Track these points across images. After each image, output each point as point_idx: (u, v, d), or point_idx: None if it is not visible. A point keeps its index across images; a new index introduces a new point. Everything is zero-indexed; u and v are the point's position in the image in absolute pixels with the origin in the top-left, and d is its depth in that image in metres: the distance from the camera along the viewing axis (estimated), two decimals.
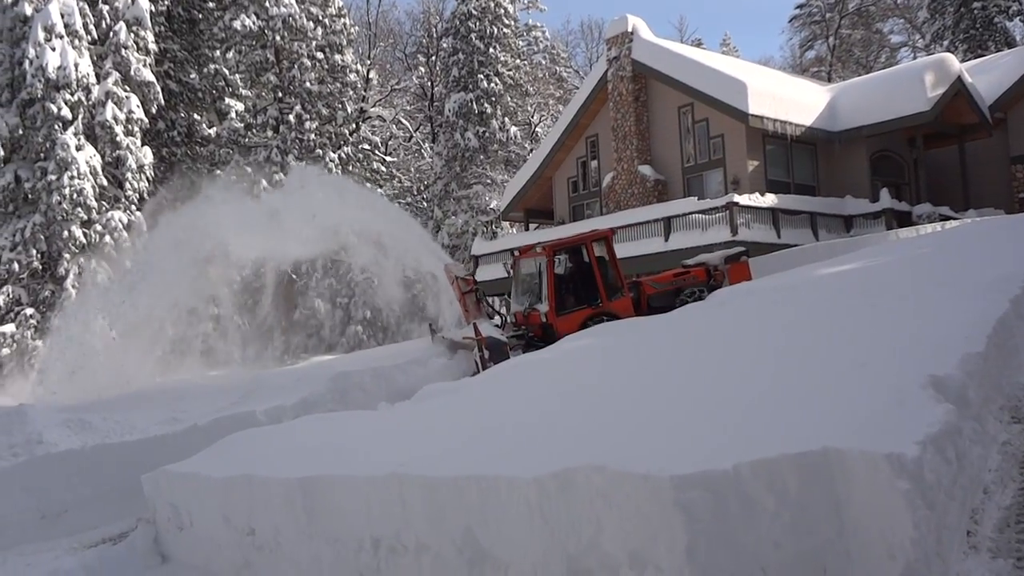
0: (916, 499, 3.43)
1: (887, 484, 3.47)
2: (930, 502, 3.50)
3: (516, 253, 15.59)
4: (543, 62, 53.33)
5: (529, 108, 46.07)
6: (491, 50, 37.84)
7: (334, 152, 35.01)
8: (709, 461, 3.74)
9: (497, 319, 15.08)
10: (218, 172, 34.11)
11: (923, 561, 3.41)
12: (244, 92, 35.81)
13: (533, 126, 46.68)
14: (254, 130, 34.24)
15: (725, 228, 20.10)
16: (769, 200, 21.18)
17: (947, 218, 21.35)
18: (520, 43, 47.08)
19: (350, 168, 36.44)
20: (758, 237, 20.17)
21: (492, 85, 37.50)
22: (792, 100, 23.37)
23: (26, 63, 26.71)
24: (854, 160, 23.98)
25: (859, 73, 42.25)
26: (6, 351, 26.52)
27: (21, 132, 27.45)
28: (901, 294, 6.34)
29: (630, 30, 25.06)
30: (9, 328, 26.75)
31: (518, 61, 42.42)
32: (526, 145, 40.95)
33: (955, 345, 4.89)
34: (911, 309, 5.87)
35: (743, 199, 20.49)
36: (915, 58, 42.43)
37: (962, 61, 27.34)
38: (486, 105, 37.27)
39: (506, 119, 38.52)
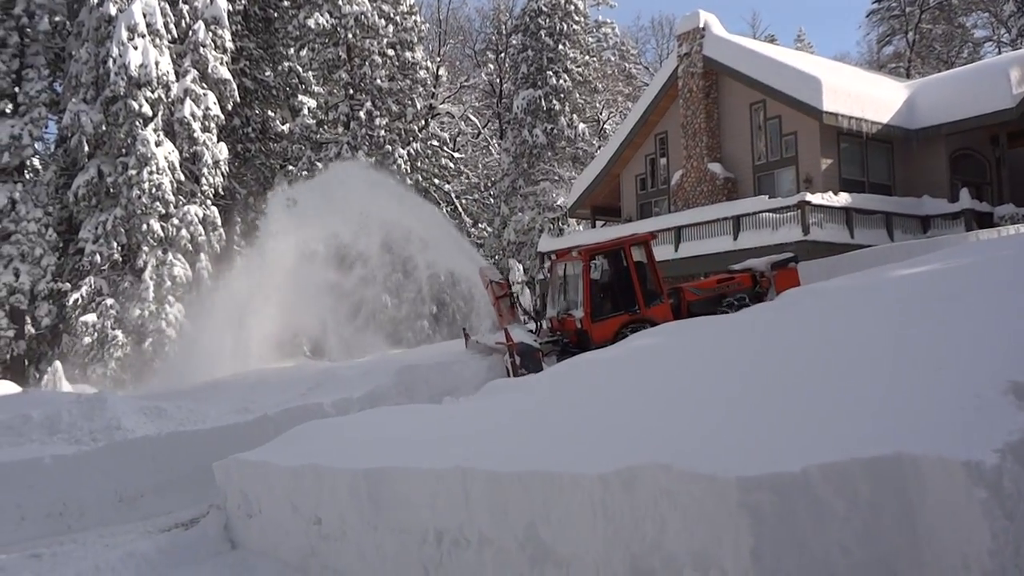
0: (994, 509, 3.31)
1: (964, 492, 3.36)
2: (1009, 512, 3.38)
3: (552, 256, 15.23)
4: (612, 59, 53.06)
5: (598, 105, 45.88)
6: (560, 47, 37.78)
7: (403, 148, 35.39)
8: (777, 463, 3.67)
9: (532, 324, 14.76)
10: (290, 168, 34.80)
11: (1000, 573, 3.29)
12: (316, 89, 36.44)
13: (601, 123, 46.48)
14: (325, 126, 34.83)
15: (796, 227, 19.73)
16: (843, 199, 20.72)
17: None
18: (590, 40, 46.91)
19: (419, 164, 36.79)
20: (831, 237, 19.75)
21: (561, 82, 37.44)
22: (868, 97, 22.80)
23: (110, 62, 27.64)
24: (933, 159, 23.28)
25: (940, 69, 40.97)
26: (88, 340, 27.48)
27: (104, 128, 28.41)
28: (981, 297, 6.13)
29: (702, 26, 24.76)
30: (91, 318, 27.72)
31: (587, 58, 42.26)
32: (594, 142, 40.80)
33: None
34: (991, 312, 5.67)
35: (815, 198, 20.09)
36: (1000, 53, 40.95)
37: None
38: (554, 102, 37.24)
39: (574, 116, 38.43)
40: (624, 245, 14.08)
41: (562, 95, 37.57)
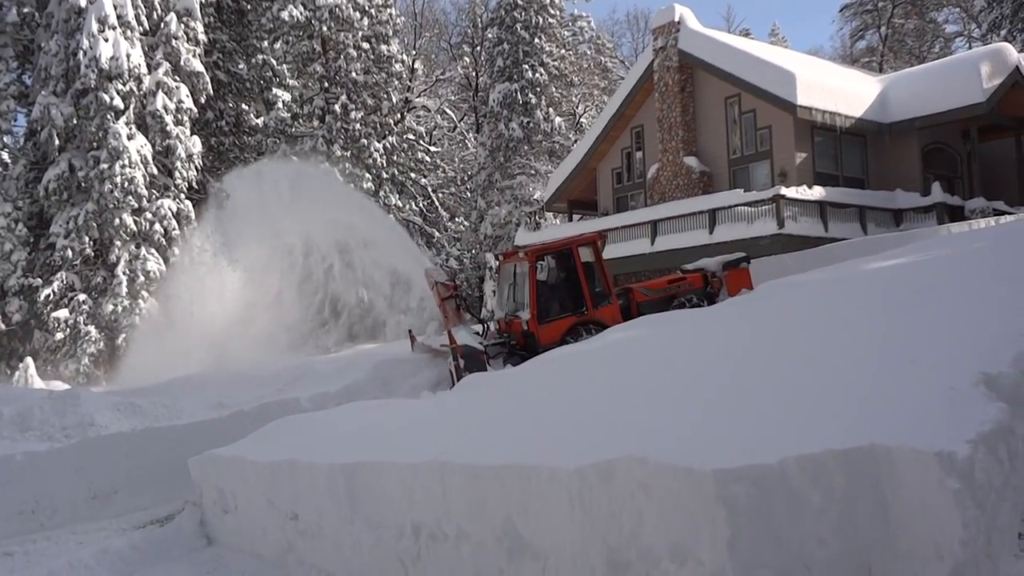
0: (966, 499, 3.36)
1: (936, 483, 3.40)
2: (980, 502, 3.43)
3: (500, 257, 14.96)
4: (588, 52, 53.06)
5: (574, 99, 45.88)
6: (536, 40, 37.74)
7: (379, 142, 35.26)
8: (753, 455, 3.69)
9: (478, 327, 14.42)
10: (265, 161, 34.54)
11: (972, 563, 3.34)
12: (291, 82, 36.21)
13: (578, 117, 46.50)
14: (300, 120, 34.60)
15: (772, 221, 19.86)
16: (817, 193, 20.87)
17: (1001, 213, 20.85)
18: (565, 33, 46.88)
19: (395, 158, 36.65)
20: (805, 230, 19.90)
21: (537, 75, 37.41)
22: (842, 91, 22.98)
23: (80, 54, 27.31)
24: (905, 153, 23.51)
25: (912, 64, 41.39)
26: (60, 335, 27.16)
27: (75, 122, 28.07)
28: (953, 290, 6.21)
29: (677, 20, 24.82)
30: (63, 313, 27.41)
31: (563, 51, 42.25)
32: (570, 136, 40.82)
33: (1009, 342, 4.77)
34: (964, 305, 5.74)
35: (790, 192, 20.22)
36: (971, 48, 41.40)
37: (1020, 51, 26.61)
38: (531, 95, 37.20)
39: (550, 110, 38.42)
40: (572, 245, 13.73)
41: (538, 89, 37.55)
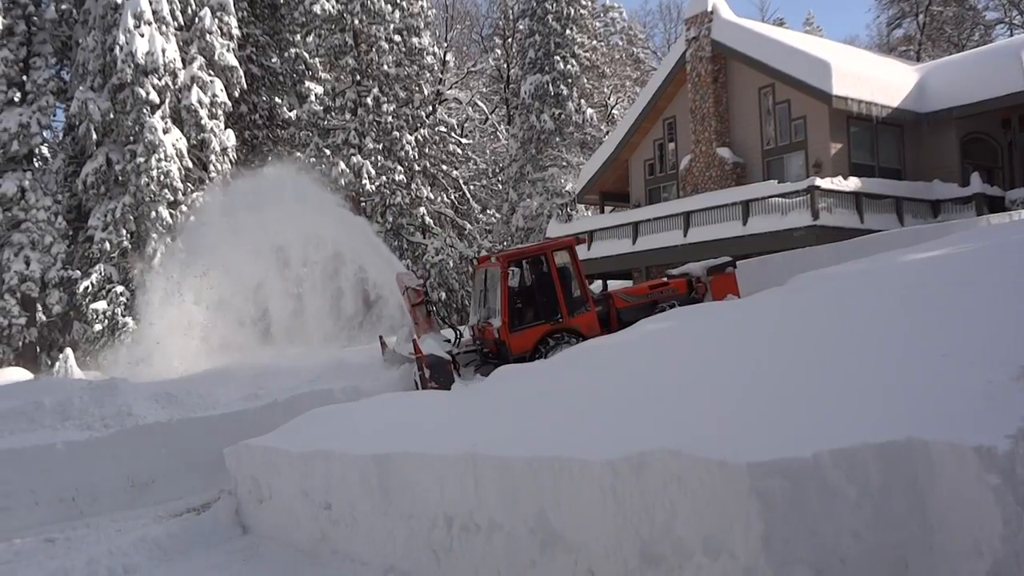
0: (1006, 494, 3.30)
1: (975, 478, 3.35)
2: (1021, 498, 3.37)
3: (475, 262, 14.66)
4: (620, 43, 52.80)
5: (605, 90, 45.67)
6: (568, 31, 37.57)
7: (410, 134, 35.35)
8: (788, 449, 3.67)
9: (451, 333, 13.90)
10: (298, 154, 34.79)
11: (1013, 559, 3.28)
12: (323, 75, 36.40)
13: (609, 108, 46.29)
14: (333, 113, 34.78)
15: (806, 212, 19.64)
16: (852, 184, 20.60)
17: None
18: (597, 24, 46.68)
19: (426, 150, 36.74)
20: (840, 222, 19.66)
21: (568, 67, 37.26)
22: (878, 80, 22.64)
23: (116, 49, 27.67)
24: (943, 143, 23.12)
25: (950, 52, 40.63)
26: (98, 327, 27.61)
27: (112, 116, 28.46)
28: (992, 282, 6.09)
29: (710, 9, 24.59)
30: (101, 305, 27.85)
31: (595, 42, 42.05)
32: (602, 127, 40.66)
33: None
34: (1002, 298, 5.64)
35: (825, 183, 19.97)
36: (1012, 35, 40.58)
37: None
38: (562, 87, 37.08)
39: (582, 101, 38.27)
40: (546, 251, 13.28)
41: (570, 80, 37.40)
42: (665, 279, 14.32)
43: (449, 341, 13.47)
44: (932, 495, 3.50)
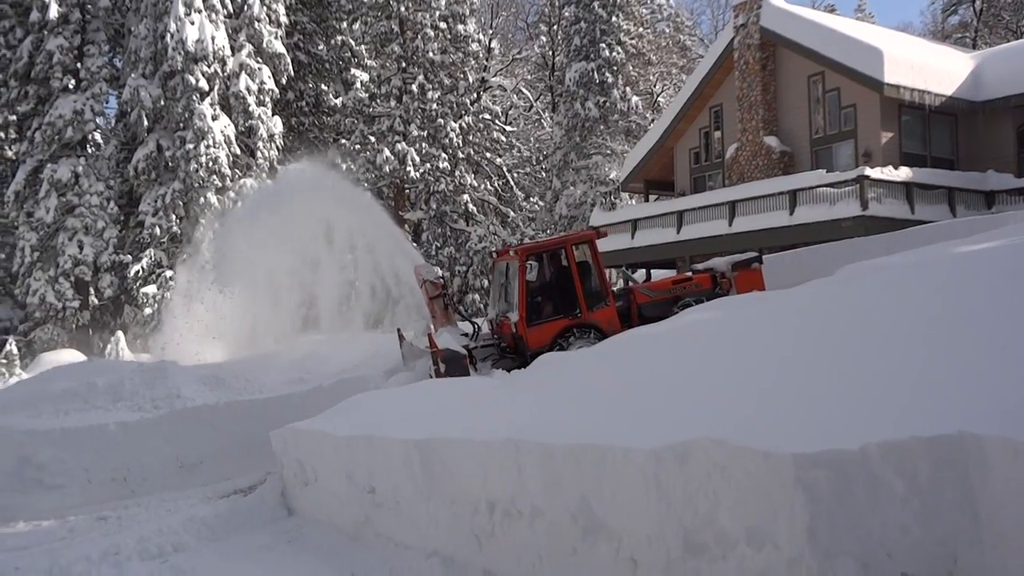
0: None
1: None
2: None
3: (495, 255, 14.17)
4: (667, 30, 52.26)
5: (651, 77, 45.30)
6: (613, 18, 37.25)
7: (455, 121, 35.40)
8: (835, 440, 3.63)
9: (469, 327, 13.67)
10: (343, 141, 35.05)
11: None
12: (369, 62, 36.60)
13: (655, 96, 45.90)
14: (378, 100, 34.97)
15: (855, 202, 19.32)
16: (903, 174, 20.20)
17: None
18: (643, 11, 46.25)
19: (470, 137, 36.78)
20: (890, 212, 19.30)
21: (614, 54, 36.98)
22: (932, 68, 22.13)
23: (167, 37, 28.08)
24: (999, 132, 22.55)
25: (1008, 39, 39.58)
26: (148, 310, 28.15)
27: (163, 103, 28.92)
28: None
29: None
30: (151, 289, 28.38)
31: (641, 29, 41.69)
32: (647, 115, 40.32)
33: None
34: None
35: (875, 172, 19.61)
36: None
37: None
38: (607, 74, 36.81)
39: (627, 89, 37.97)
40: (566, 244, 13.02)
41: (615, 68, 37.12)
42: (689, 274, 14.04)
43: (467, 335, 13.34)
44: (983, 490, 3.44)
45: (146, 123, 28.82)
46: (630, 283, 14.42)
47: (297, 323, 19.42)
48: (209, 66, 28.60)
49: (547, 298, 12.82)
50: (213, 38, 28.56)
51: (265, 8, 30.95)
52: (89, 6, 30.46)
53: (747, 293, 12.41)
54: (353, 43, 36.51)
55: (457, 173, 35.51)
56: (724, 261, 13.83)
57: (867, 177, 19.30)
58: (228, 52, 29.46)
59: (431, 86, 34.74)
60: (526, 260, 12.44)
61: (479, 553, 5.67)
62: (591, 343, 11.27)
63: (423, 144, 34.23)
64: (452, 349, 12.01)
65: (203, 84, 28.43)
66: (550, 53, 46.60)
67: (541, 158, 43.41)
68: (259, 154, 30.06)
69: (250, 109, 29.78)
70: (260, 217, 17.96)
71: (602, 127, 36.73)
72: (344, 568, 6.54)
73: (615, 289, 13.91)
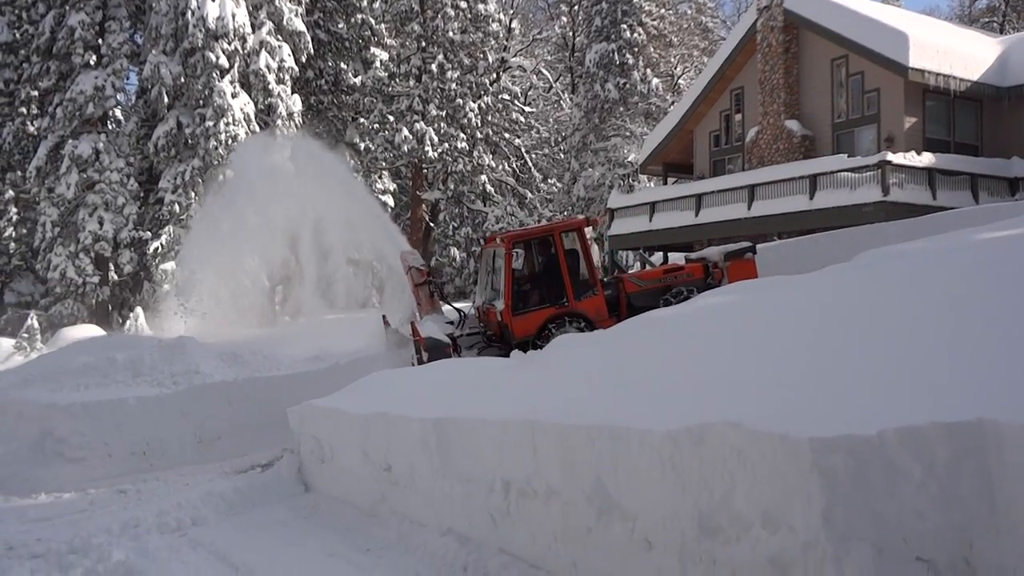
0: None
1: None
2: None
3: (483, 242, 14.07)
4: (688, 12, 51.73)
5: (672, 59, 44.94)
6: None
7: (474, 101, 35.30)
8: (852, 425, 3.62)
9: (455, 315, 13.63)
10: (362, 120, 35.01)
11: None
12: (389, 41, 36.48)
13: (676, 78, 45.56)
14: (397, 79, 34.89)
15: (876, 187, 19.16)
16: (926, 159, 20.00)
17: None
18: None
19: (489, 118, 36.67)
20: (912, 198, 19.14)
21: (635, 35, 36.71)
22: (958, 53, 21.84)
23: (188, 13, 28.08)
24: None
25: None
26: (167, 287, 28.34)
27: (183, 80, 28.97)
28: None
29: None
30: (170, 266, 28.55)
31: (663, 11, 41.34)
32: (667, 97, 40.04)
33: None
34: None
35: (897, 157, 19.43)
36: None
37: None
38: (628, 56, 36.57)
39: (648, 70, 37.71)
40: (554, 232, 12.86)
41: (636, 49, 36.86)
42: (681, 263, 13.95)
43: (452, 323, 13.30)
44: (1001, 477, 3.42)
45: (166, 100, 28.88)
46: (626, 271, 14.41)
47: (315, 301, 19.49)
48: (229, 43, 28.60)
49: (534, 286, 12.76)
50: (234, 15, 28.55)
51: None
52: None
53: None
54: (373, 22, 36.39)
55: (475, 153, 35.44)
56: (717, 251, 13.70)
57: (889, 162, 19.13)
58: (248, 29, 29.44)
59: (450, 66, 34.63)
60: (512, 248, 12.39)
61: (494, 531, 5.71)
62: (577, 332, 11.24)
63: (441, 124, 34.17)
64: (435, 338, 11.97)
65: (223, 61, 28.44)
66: (570, 34, 46.31)
67: (560, 139, 43.23)
68: (278, 132, 30.08)
69: (270, 87, 29.79)
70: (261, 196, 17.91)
71: (621, 109, 36.53)
72: (360, 544, 6.61)
73: (604, 278, 13.78)
